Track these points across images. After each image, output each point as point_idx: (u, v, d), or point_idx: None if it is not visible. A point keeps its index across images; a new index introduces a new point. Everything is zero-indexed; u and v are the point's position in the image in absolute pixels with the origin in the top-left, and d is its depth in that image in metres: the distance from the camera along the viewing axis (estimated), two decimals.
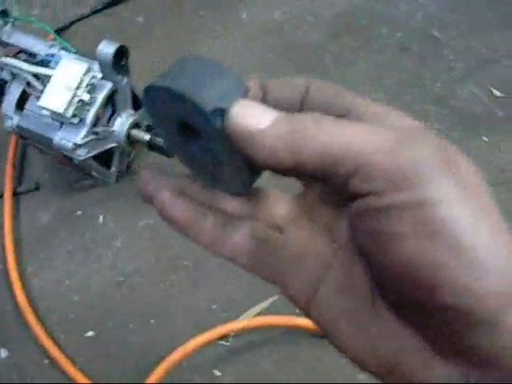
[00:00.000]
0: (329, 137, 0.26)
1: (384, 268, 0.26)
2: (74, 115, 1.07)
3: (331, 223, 0.34)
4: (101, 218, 1.24)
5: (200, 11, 1.59)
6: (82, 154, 1.12)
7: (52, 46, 1.19)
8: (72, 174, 1.31)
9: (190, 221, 0.35)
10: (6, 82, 1.21)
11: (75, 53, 1.17)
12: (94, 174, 1.26)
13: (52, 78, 1.08)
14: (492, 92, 1.35)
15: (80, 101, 1.07)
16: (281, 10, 1.56)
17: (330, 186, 0.27)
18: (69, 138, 1.10)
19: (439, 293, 0.25)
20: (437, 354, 0.27)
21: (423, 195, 0.24)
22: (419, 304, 0.26)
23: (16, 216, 1.27)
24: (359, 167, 0.26)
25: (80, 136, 1.10)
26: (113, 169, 1.24)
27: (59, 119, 1.10)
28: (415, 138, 0.26)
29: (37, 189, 1.31)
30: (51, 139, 1.12)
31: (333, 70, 1.44)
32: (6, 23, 1.20)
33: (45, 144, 1.16)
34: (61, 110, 1.05)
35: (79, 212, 1.25)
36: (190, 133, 0.33)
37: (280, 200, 0.37)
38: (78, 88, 1.06)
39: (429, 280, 0.25)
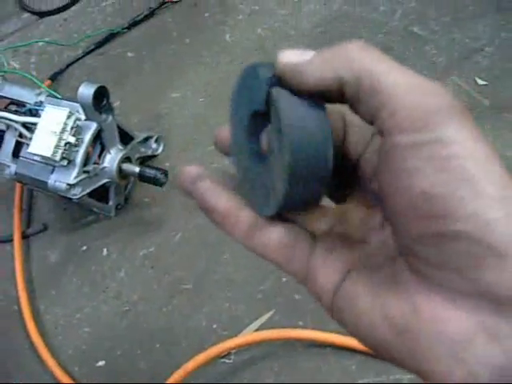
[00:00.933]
0: (367, 64, 0.30)
1: (402, 204, 0.29)
2: (63, 158, 1.13)
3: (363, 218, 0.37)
4: (105, 250, 1.29)
5: (186, 38, 1.64)
6: (77, 193, 1.17)
7: (40, 93, 1.25)
8: (76, 211, 1.37)
9: (229, 211, 0.36)
10: (2, 133, 1.28)
11: (60, 99, 1.23)
12: (94, 209, 1.32)
13: (38, 126, 1.14)
14: (476, 82, 1.35)
15: (67, 143, 1.12)
16: (262, 27, 1.60)
17: (364, 116, 0.31)
18: (62, 180, 1.16)
19: (452, 219, 0.27)
20: (450, 306, 0.28)
21: (441, 135, 0.27)
22: (433, 236, 0.28)
23: (26, 257, 1.34)
24: (388, 102, 0.28)
25: (72, 176, 1.15)
26: (111, 203, 1.30)
27: (50, 163, 1.15)
28: (439, 89, 0.29)
29: (45, 229, 1.37)
30: (46, 182, 1.18)
31: None
32: None
33: (41, 187, 1.22)
34: (49, 154, 1.10)
35: (84, 247, 1.31)
36: (259, 121, 0.37)
37: None
38: (62, 132, 1.12)
39: (442, 208, 0.27)
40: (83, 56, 1.70)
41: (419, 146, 0.27)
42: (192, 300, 1.17)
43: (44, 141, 1.12)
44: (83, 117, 1.15)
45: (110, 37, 1.72)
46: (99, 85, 1.13)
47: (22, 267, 1.30)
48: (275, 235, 0.36)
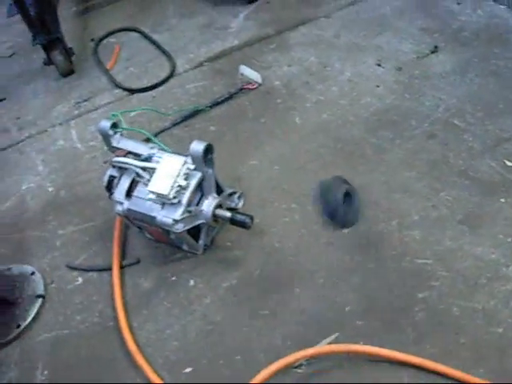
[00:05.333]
0: None
1: None
2: (174, 197, 1.41)
3: None
4: (192, 281, 1.54)
5: (261, 118, 1.97)
6: (179, 228, 1.44)
7: (152, 147, 1.54)
8: (166, 249, 1.63)
9: None
10: (114, 178, 1.57)
11: (170, 152, 1.52)
12: (184, 247, 1.59)
13: (157, 170, 1.43)
14: (505, 163, 1.64)
15: (179, 186, 1.41)
16: (327, 113, 1.92)
17: None
18: (169, 216, 1.43)
19: None
20: None
21: None
22: None
23: (122, 284, 1.58)
24: None
25: (178, 213, 1.43)
26: (201, 241, 1.56)
27: (162, 200, 1.43)
28: None
29: (138, 262, 1.63)
30: (154, 217, 1.45)
31: (372, 157, 1.75)
32: (115, 133, 1.57)
33: (148, 222, 1.49)
34: (165, 192, 1.38)
35: (174, 278, 1.56)
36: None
37: None
38: (177, 176, 1.40)
39: None
40: (171, 127, 2.02)
41: None
42: (269, 323, 1.40)
43: (162, 181, 1.40)
44: (192, 166, 1.43)
45: (195, 113, 2.05)
46: (208, 142, 1.42)
47: (119, 291, 1.54)
48: None
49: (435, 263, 1.44)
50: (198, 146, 1.42)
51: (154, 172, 1.45)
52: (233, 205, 1.63)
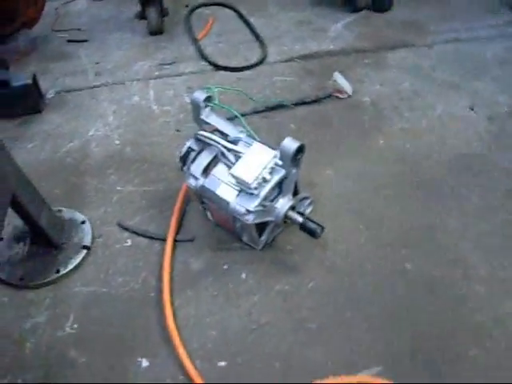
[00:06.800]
0: None
1: None
2: (255, 188, 1.36)
3: None
4: (243, 274, 1.49)
5: (344, 130, 1.92)
6: (249, 219, 1.39)
7: (241, 131, 1.50)
8: (224, 234, 1.58)
9: None
10: (192, 151, 1.53)
11: (258, 141, 1.47)
12: (244, 238, 1.54)
13: (245, 155, 1.38)
14: None
15: (262, 178, 1.36)
16: (411, 143, 1.87)
17: None
18: (243, 205, 1.39)
19: None
20: None
21: None
22: None
23: (173, 258, 1.54)
24: None
25: (254, 204, 1.38)
26: (263, 237, 1.51)
27: (242, 187, 1.38)
28: None
29: (192, 240, 1.58)
30: (228, 202, 1.41)
31: (449, 200, 1.69)
32: (206, 106, 1.53)
33: (219, 204, 1.44)
34: (250, 181, 1.34)
35: (226, 266, 1.51)
36: None
37: None
38: (264, 168, 1.35)
39: None
40: (249, 114, 1.97)
41: None
42: (314, 337, 1.35)
43: (247, 169, 1.36)
44: (279, 162, 1.39)
45: (278, 107, 1.99)
46: (302, 143, 1.38)
47: (169, 264, 1.50)
48: None
49: (493, 323, 1.38)
50: (290, 144, 1.37)
51: (239, 156, 1.41)
52: (301, 209, 1.58)
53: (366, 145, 1.86)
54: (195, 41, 2.37)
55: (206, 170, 1.48)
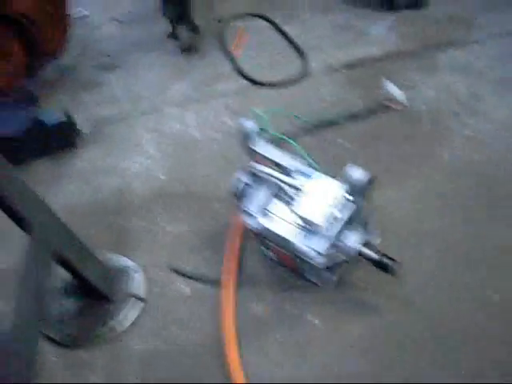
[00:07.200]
0: None
1: None
2: (326, 229, 1.22)
3: None
4: (314, 319, 1.36)
5: (402, 145, 1.76)
6: (321, 263, 1.26)
7: (297, 160, 1.37)
8: (285, 272, 1.45)
9: None
10: (246, 185, 1.40)
11: (320, 170, 1.33)
12: (312, 278, 1.40)
13: (307, 191, 1.25)
14: None
15: (333, 216, 1.22)
16: (479, 154, 1.70)
17: None
18: (313, 247, 1.25)
19: None
20: None
21: None
22: None
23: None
24: None
25: (325, 247, 1.25)
26: (335, 277, 1.37)
27: (309, 228, 1.25)
28: None
29: (253, 282, 1.46)
30: (293, 243, 1.27)
31: None
32: (260, 137, 1.40)
33: (282, 245, 1.31)
34: (320, 222, 1.21)
35: (292, 310, 1.38)
36: None
37: None
38: (333, 205, 1.22)
39: None
40: (299, 135, 1.82)
41: None
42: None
43: (314, 207, 1.23)
44: (348, 196, 1.25)
45: (328, 123, 1.85)
46: (373, 175, 1.24)
47: (233, 314, 1.38)
48: None
49: None
50: (361, 176, 1.23)
51: (299, 190, 1.28)
52: (367, 238, 1.44)
53: (428, 159, 1.71)
54: (231, 57, 2.24)
55: (265, 208, 1.35)
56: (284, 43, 2.31)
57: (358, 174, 1.23)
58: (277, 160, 1.38)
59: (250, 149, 1.40)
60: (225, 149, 1.84)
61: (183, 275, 1.50)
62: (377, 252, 1.30)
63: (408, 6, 2.38)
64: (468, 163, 1.69)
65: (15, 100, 1.98)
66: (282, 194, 1.33)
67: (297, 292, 1.43)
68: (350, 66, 2.13)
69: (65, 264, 1.33)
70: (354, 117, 1.87)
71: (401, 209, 1.58)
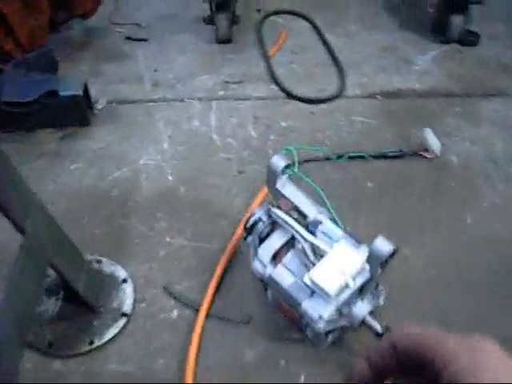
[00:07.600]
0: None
1: None
2: (336, 295, 1.14)
3: None
4: (302, 377, 1.28)
5: (427, 199, 1.67)
6: (321, 327, 1.18)
7: (321, 212, 1.27)
8: (282, 319, 1.37)
9: None
10: (260, 221, 1.31)
11: (343, 229, 1.25)
12: (308, 332, 1.33)
13: (328, 256, 1.16)
14: None
15: (346, 285, 1.14)
16: (502, 224, 1.61)
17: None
18: (317, 309, 1.17)
19: None
20: None
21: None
22: None
23: (222, 342, 1.33)
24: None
25: (329, 312, 1.16)
26: (329, 339, 1.30)
27: (318, 292, 1.17)
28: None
29: (247, 322, 1.38)
30: (299, 303, 1.19)
31: None
32: (284, 173, 1.30)
33: (287, 300, 1.23)
34: (331, 292, 1.12)
35: (283, 362, 1.31)
36: None
37: None
38: (350, 275, 1.13)
39: None
40: (321, 160, 1.73)
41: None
42: None
43: (329, 273, 1.14)
44: (367, 266, 1.17)
45: (352, 157, 1.76)
46: (396, 246, 1.15)
47: (196, 352, 1.31)
48: None
49: None
50: (383, 247, 1.13)
51: (319, 254, 1.19)
52: (374, 303, 1.36)
53: (450, 220, 1.62)
54: (266, 57, 2.12)
55: (276, 256, 1.26)
56: (323, 53, 2.19)
57: (380, 243, 1.14)
58: (299, 205, 1.29)
59: (274, 187, 1.31)
60: (241, 162, 1.75)
61: (174, 298, 1.42)
62: (382, 326, 1.23)
63: (461, 42, 2.26)
64: (489, 234, 1.60)
65: (34, 61, 1.87)
66: (298, 248, 1.24)
67: (292, 344, 1.34)
68: (388, 94, 2.03)
69: (55, 270, 1.24)
70: (383, 156, 1.77)
71: (411, 273, 1.49)
